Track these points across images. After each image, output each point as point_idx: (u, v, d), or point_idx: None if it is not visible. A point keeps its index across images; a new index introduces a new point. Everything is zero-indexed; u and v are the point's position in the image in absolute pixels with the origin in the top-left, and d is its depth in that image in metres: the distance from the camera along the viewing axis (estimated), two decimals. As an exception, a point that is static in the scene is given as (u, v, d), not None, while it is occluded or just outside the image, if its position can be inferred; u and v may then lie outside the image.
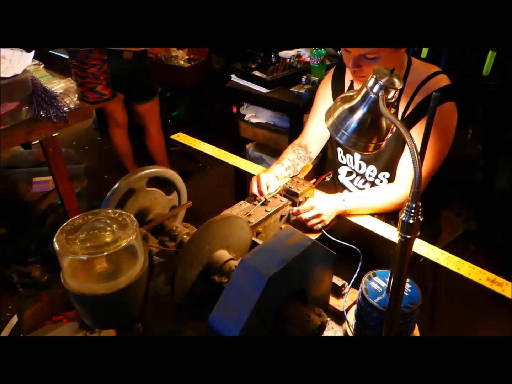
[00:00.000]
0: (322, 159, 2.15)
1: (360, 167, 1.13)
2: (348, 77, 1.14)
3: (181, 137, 1.35)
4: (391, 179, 1.10)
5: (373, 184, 1.14)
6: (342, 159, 1.18)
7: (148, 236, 0.76)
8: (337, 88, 1.15)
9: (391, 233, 0.93)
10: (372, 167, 1.11)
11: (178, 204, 0.93)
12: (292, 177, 1.05)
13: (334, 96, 1.16)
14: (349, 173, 1.19)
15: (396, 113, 1.03)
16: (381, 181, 1.12)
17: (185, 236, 0.77)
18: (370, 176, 1.13)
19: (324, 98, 1.17)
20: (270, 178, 1.03)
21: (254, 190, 1.01)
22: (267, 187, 1.01)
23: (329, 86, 1.16)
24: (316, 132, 1.18)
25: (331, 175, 1.38)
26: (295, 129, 1.76)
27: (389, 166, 1.08)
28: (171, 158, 2.42)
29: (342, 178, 1.21)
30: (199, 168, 2.60)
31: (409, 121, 1.00)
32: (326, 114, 0.76)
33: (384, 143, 0.74)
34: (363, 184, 1.16)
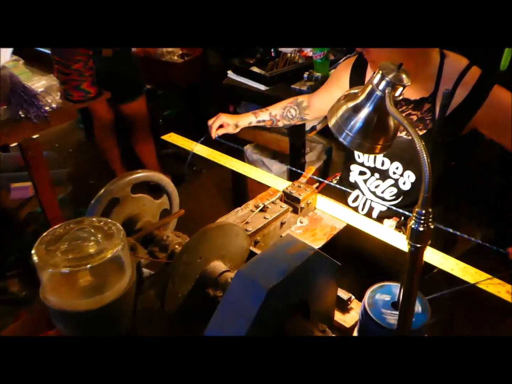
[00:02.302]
0: (326, 162, 2.16)
1: (383, 164, 1.13)
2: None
3: (173, 138, 1.35)
4: (416, 184, 1.09)
5: (396, 183, 1.13)
6: (358, 157, 1.19)
7: (137, 246, 0.76)
8: (357, 73, 1.16)
9: (400, 241, 0.94)
10: (396, 164, 1.11)
11: (169, 208, 0.93)
12: (293, 182, 1.06)
13: (352, 80, 1.17)
14: (362, 173, 1.20)
15: (432, 110, 1.03)
16: (404, 182, 1.11)
17: (176, 246, 0.77)
18: (394, 173, 1.12)
19: (341, 75, 1.20)
20: (227, 123, 1.27)
21: (209, 122, 1.26)
22: (217, 129, 1.25)
23: (349, 69, 1.18)
24: (324, 101, 1.25)
25: (338, 177, 1.39)
26: (296, 130, 1.77)
27: (415, 165, 1.07)
28: (162, 161, 2.43)
29: (355, 176, 1.22)
30: (193, 172, 2.61)
31: (459, 120, 1.00)
32: (329, 113, 0.76)
33: (391, 144, 0.75)
34: (383, 182, 1.16)
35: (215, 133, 1.27)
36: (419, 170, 1.08)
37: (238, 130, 1.32)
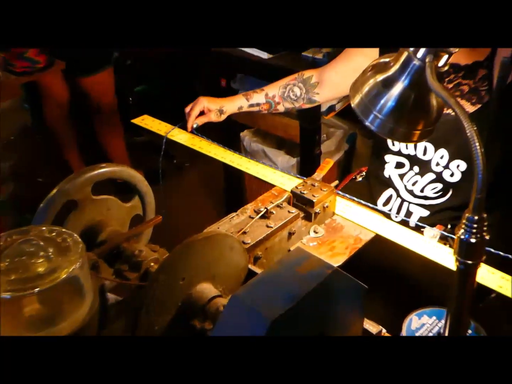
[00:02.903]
0: (348, 153, 2.17)
1: (425, 151, 1.14)
2: None
3: (147, 122, 1.35)
4: (467, 174, 1.10)
5: (439, 176, 1.14)
6: (393, 144, 1.20)
7: (100, 264, 0.76)
8: None
9: (446, 257, 0.94)
10: (442, 151, 1.11)
11: (142, 213, 0.94)
12: (305, 179, 1.06)
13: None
14: (399, 165, 1.21)
15: (489, 78, 1.04)
16: (452, 174, 1.12)
17: (152, 264, 0.77)
18: (438, 164, 1.13)
19: None
20: (209, 108, 1.28)
21: (187, 109, 1.29)
22: (196, 117, 1.27)
23: None
24: (342, 75, 1.24)
25: (364, 173, 1.39)
26: (309, 111, 1.77)
27: (466, 152, 1.07)
28: (133, 152, 2.43)
29: (391, 170, 1.22)
30: (173, 167, 2.61)
31: None
32: (352, 89, 0.77)
33: (433, 128, 0.75)
34: (421, 177, 1.16)
35: (193, 122, 1.27)
36: (469, 159, 1.08)
37: (223, 117, 1.32)
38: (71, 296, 0.62)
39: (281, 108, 1.35)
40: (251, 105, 1.33)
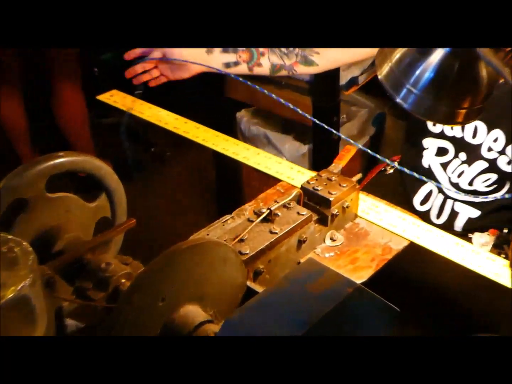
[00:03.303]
0: (375, 138, 2.17)
1: (475, 133, 1.14)
2: None
3: (116, 98, 1.35)
4: None
5: (492, 165, 1.14)
6: (434, 124, 1.20)
7: (56, 280, 0.76)
8: None
9: (500, 271, 0.94)
10: (496, 133, 1.12)
11: (110, 216, 0.94)
12: (319, 171, 1.06)
13: None
14: (441, 151, 1.21)
15: None
16: (509, 162, 1.12)
17: (123, 281, 0.78)
18: (490, 150, 1.14)
19: None
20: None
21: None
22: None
23: None
24: None
25: (395, 163, 1.38)
26: (322, 83, 1.77)
27: None
28: (99, 137, 2.43)
29: (431, 158, 1.23)
30: (150, 156, 2.61)
31: None
32: (378, 56, 0.76)
33: (483, 107, 0.75)
34: (469, 166, 1.17)
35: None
36: None
37: (192, 72, 1.23)
38: (20, 321, 0.62)
39: (265, 63, 1.26)
40: (225, 50, 1.24)
